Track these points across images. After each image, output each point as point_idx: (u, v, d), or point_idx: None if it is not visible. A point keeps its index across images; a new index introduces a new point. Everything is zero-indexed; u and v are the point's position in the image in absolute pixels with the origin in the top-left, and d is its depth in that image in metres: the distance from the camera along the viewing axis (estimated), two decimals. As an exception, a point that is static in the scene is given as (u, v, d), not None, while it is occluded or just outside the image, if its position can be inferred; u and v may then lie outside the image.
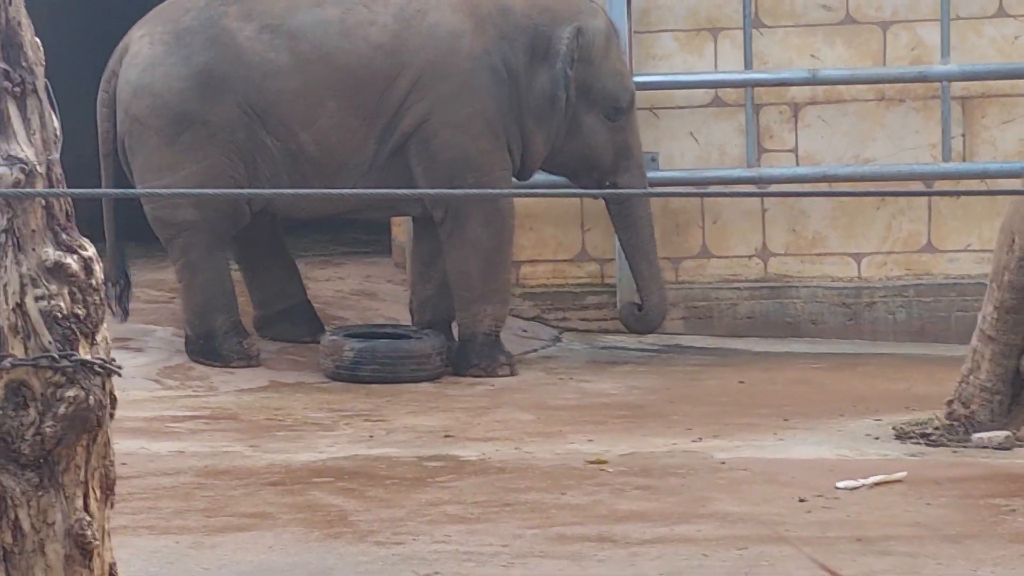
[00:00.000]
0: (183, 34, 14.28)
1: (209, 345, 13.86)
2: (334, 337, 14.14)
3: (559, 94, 14.26)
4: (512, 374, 14.25)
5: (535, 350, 15.72)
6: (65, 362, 3.90)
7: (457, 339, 14.38)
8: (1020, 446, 10.91)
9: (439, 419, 12.31)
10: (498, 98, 14.26)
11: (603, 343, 16.06)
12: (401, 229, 17.11)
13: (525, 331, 16.00)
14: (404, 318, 15.16)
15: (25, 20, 4.21)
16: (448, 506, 9.44)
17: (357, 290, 17.14)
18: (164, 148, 14.25)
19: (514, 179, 14.65)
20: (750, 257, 16.84)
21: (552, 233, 17.06)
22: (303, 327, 15.11)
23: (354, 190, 14.22)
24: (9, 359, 3.86)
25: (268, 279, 15.31)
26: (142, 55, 13.99)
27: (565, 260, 17.19)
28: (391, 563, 8.16)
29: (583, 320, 16.85)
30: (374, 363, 13.79)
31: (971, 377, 11.31)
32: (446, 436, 11.61)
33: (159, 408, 12.42)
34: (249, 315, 15.04)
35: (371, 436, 11.74)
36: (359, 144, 14.07)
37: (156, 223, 14.44)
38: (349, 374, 13.68)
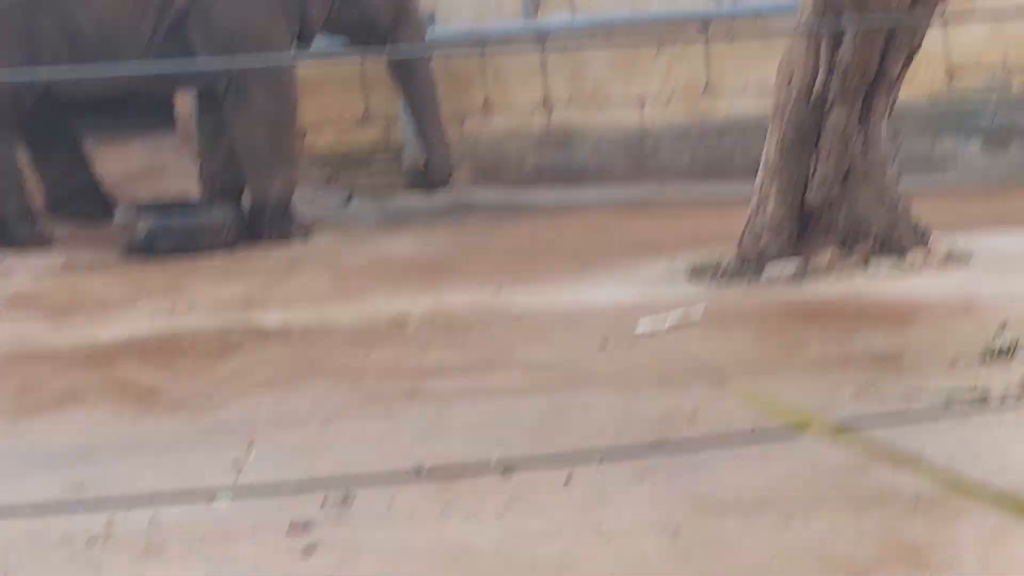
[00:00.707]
0: None
1: (1, 231, 13.67)
2: (126, 214, 14.10)
3: None
4: (305, 239, 14.36)
5: (327, 214, 15.82)
6: None
7: (248, 209, 14.49)
8: (807, 278, 11.33)
9: (238, 288, 12.39)
10: None
11: (393, 205, 16.20)
12: (184, 103, 16.97)
13: (316, 196, 16.08)
14: (194, 192, 15.20)
15: None
16: (256, 373, 9.49)
17: (146, 167, 17.03)
18: None
19: (295, 46, 14.72)
20: (533, 111, 16.92)
21: (336, 98, 17.00)
22: (94, 206, 14.98)
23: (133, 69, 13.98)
24: None
25: (56, 161, 15.10)
26: None
27: (350, 124, 17.26)
28: (207, 433, 8.19)
29: (373, 182, 16.90)
30: (168, 237, 13.78)
31: (759, 213, 11.67)
32: (246, 305, 11.66)
33: (-46, 297, 12.25)
34: (40, 199, 14.90)
35: (172, 310, 11.75)
36: (136, 22, 13.99)
37: None
38: (144, 250, 13.66)
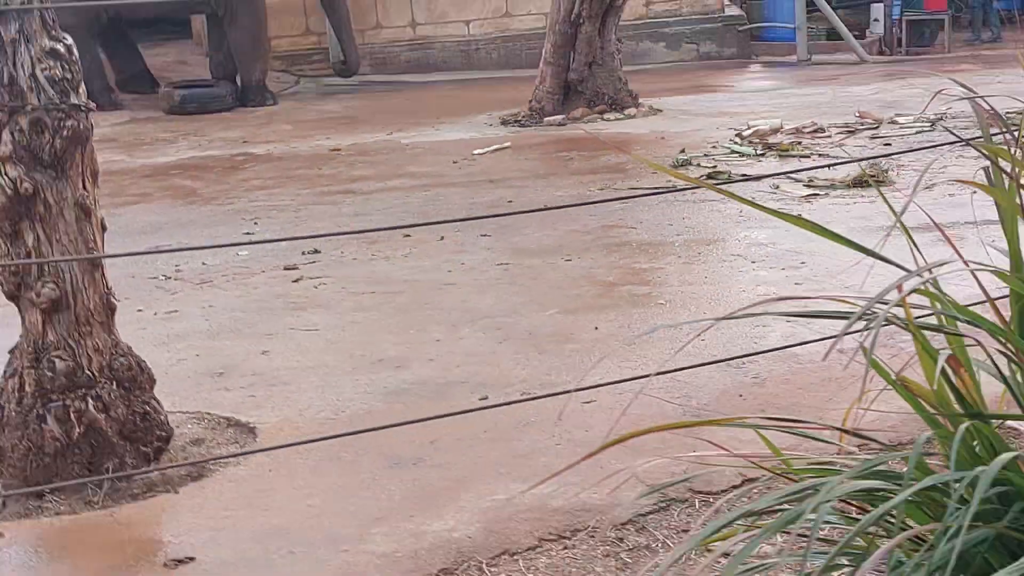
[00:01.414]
0: None
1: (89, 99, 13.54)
2: (167, 88, 14.23)
3: None
4: (275, 104, 14.36)
5: (286, 89, 15.57)
6: (64, 105, 3.82)
7: (240, 85, 14.46)
8: (569, 124, 11.34)
9: (238, 133, 12.29)
10: None
11: (325, 84, 15.92)
12: (197, 21, 16.70)
13: (279, 78, 15.74)
14: (206, 75, 14.91)
15: None
16: (254, 180, 9.57)
17: (176, 60, 16.71)
18: None
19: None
20: (405, 26, 16.70)
21: (288, 20, 16.68)
22: (147, 84, 14.94)
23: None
24: (30, 106, 3.78)
25: (122, 56, 14.92)
26: None
27: (297, 35, 16.98)
28: (228, 215, 8.31)
29: (312, 71, 16.64)
30: (193, 101, 13.82)
31: (540, 87, 11.94)
32: (244, 142, 11.63)
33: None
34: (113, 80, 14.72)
35: (199, 145, 11.69)
36: None
37: None
38: (179, 110, 13.70)
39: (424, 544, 3.29)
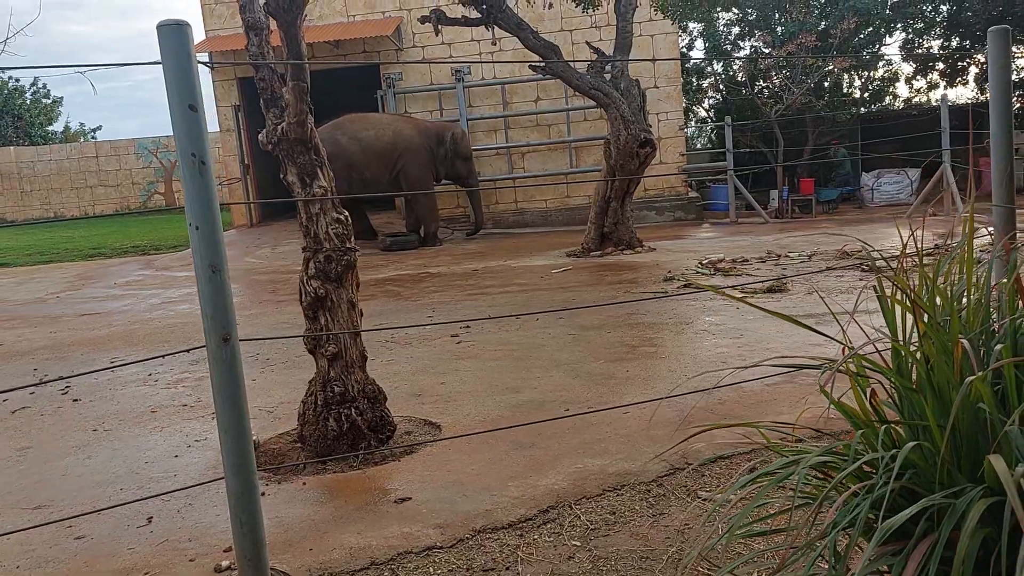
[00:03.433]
0: None
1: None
2: (382, 237, 13.68)
3: (448, 155, 13.70)
4: (441, 245, 13.74)
5: (448, 237, 14.82)
6: (344, 249, 3.78)
7: (423, 235, 13.81)
8: (604, 256, 10.98)
9: (421, 261, 11.73)
10: (429, 155, 13.70)
11: (467, 234, 15.16)
12: (399, 202, 16.14)
13: (444, 231, 15.02)
14: (403, 229, 14.30)
15: None
16: (431, 287, 9.31)
17: (386, 221, 15.88)
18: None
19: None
20: (511, 203, 16.07)
21: (449, 198, 16.11)
22: (371, 235, 14.14)
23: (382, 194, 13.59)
24: (327, 248, 3.74)
25: (358, 218, 13.91)
26: None
27: (453, 207, 16.24)
28: (419, 307, 8.03)
29: (461, 227, 15.85)
30: (397, 245, 13.35)
31: (587, 236, 11.61)
32: (424, 266, 11.21)
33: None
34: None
35: (400, 268, 11.30)
36: (382, 173, 13.44)
37: None
38: (389, 249, 13.25)
39: (538, 492, 3.26)
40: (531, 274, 9.89)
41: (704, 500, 2.72)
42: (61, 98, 40.70)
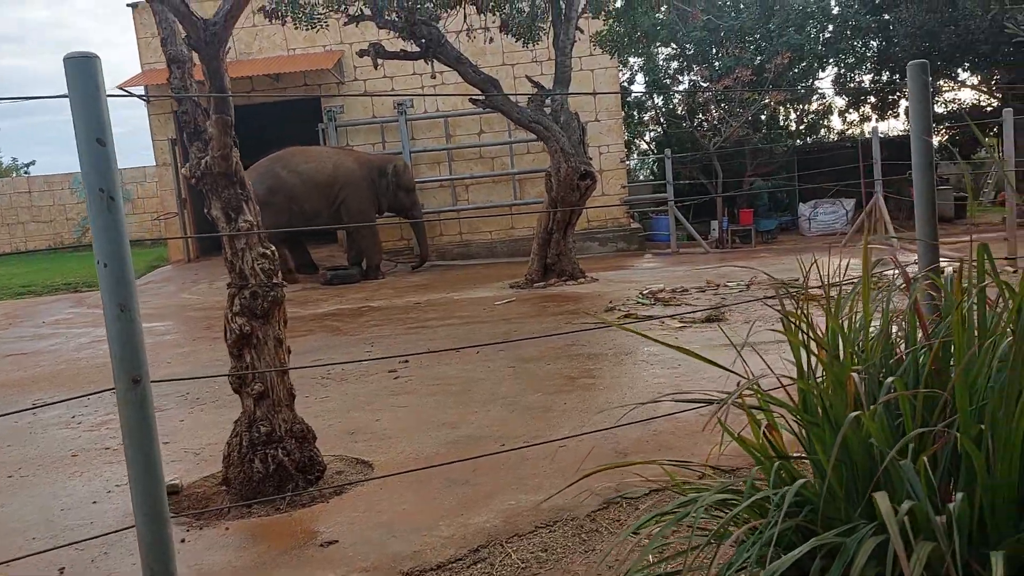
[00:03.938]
0: None
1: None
2: (324, 270, 13.55)
3: (390, 187, 13.64)
4: (384, 279, 13.60)
5: (390, 271, 14.78)
6: (271, 284, 3.74)
7: (364, 268, 13.70)
8: (548, 287, 10.95)
9: (363, 295, 11.74)
10: (371, 187, 13.60)
11: (411, 267, 15.22)
12: (340, 235, 16.09)
13: (387, 264, 14.91)
14: (345, 263, 14.19)
15: None
16: (371, 321, 9.24)
17: (328, 255, 15.74)
18: None
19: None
20: (455, 235, 16.22)
21: (392, 231, 16.09)
22: (312, 269, 14.07)
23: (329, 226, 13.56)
24: (253, 284, 3.70)
25: (299, 252, 14.11)
26: None
27: (396, 240, 16.20)
28: (356, 341, 7.93)
29: (404, 259, 15.82)
30: (338, 279, 13.21)
31: (531, 267, 11.60)
32: (365, 300, 11.17)
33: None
34: (293, 265, 13.89)
35: (340, 302, 11.22)
36: (322, 206, 13.22)
37: None
38: (330, 283, 13.10)
39: (469, 531, 3.21)
40: (474, 306, 9.81)
41: (627, 539, 2.71)
42: (-7, 132, 39.34)
